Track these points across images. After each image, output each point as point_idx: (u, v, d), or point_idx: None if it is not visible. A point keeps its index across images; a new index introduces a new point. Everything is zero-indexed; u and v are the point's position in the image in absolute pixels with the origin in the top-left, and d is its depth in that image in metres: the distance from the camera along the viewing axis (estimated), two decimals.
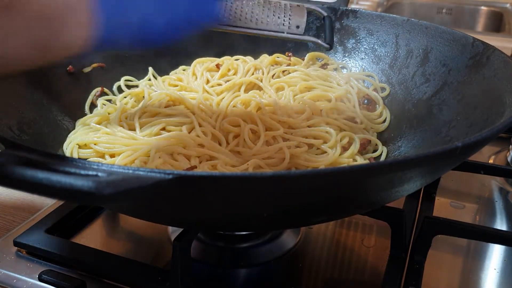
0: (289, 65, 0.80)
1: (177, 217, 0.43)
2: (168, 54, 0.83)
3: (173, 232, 0.63)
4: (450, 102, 0.62)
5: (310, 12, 0.83)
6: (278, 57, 0.82)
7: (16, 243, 0.59)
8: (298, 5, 0.65)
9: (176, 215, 0.42)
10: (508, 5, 1.52)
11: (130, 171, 0.32)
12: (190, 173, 0.32)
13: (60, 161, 0.31)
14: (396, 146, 0.67)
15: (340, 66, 0.81)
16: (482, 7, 1.56)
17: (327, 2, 0.81)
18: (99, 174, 0.30)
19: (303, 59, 0.82)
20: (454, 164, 0.48)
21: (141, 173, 0.31)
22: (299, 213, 0.41)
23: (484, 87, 0.57)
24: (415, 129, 0.65)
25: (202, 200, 0.36)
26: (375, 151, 0.67)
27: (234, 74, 0.78)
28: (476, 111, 0.55)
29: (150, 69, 0.80)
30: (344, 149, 0.64)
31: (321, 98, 0.72)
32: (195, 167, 0.56)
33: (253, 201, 0.37)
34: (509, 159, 0.81)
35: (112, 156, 0.61)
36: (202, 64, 0.80)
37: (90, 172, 0.31)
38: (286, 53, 0.84)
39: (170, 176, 0.32)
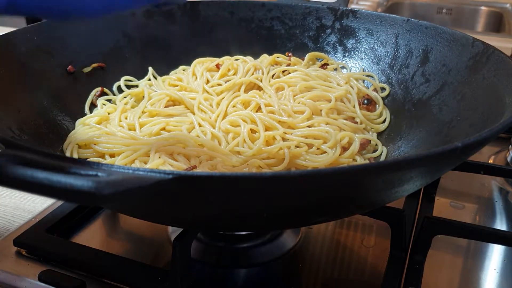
0: (289, 65, 0.80)
1: (177, 217, 0.43)
2: (168, 54, 0.83)
3: (173, 232, 0.63)
4: (450, 102, 0.62)
5: (310, 12, 0.83)
6: (278, 57, 0.82)
7: (16, 243, 0.59)
8: None
9: (176, 215, 0.42)
10: (508, 5, 1.52)
11: (130, 171, 0.32)
12: (190, 173, 0.32)
13: (60, 161, 0.31)
14: (396, 146, 0.67)
15: (340, 66, 0.81)
16: (482, 7, 1.56)
17: (327, 2, 0.81)
18: (99, 174, 0.30)
19: (303, 59, 0.82)
20: (454, 164, 0.48)
21: (141, 173, 0.31)
22: (298, 213, 0.41)
23: (484, 87, 0.57)
24: (415, 129, 0.65)
25: (201, 200, 0.36)
26: (375, 151, 0.67)
27: (234, 74, 0.78)
28: (476, 111, 0.55)
29: (150, 69, 0.80)
30: (344, 149, 0.64)
31: (321, 98, 0.72)
32: (195, 167, 0.56)
33: (252, 201, 0.37)
34: (508, 159, 0.81)
35: (112, 156, 0.61)
36: (202, 64, 0.80)
37: (90, 172, 0.31)
38: (286, 53, 0.84)
39: (170, 176, 0.31)
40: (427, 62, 0.70)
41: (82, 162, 0.32)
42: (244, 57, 0.81)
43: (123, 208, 0.45)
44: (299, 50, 0.84)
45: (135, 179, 0.30)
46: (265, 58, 0.82)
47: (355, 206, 0.45)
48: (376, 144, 0.68)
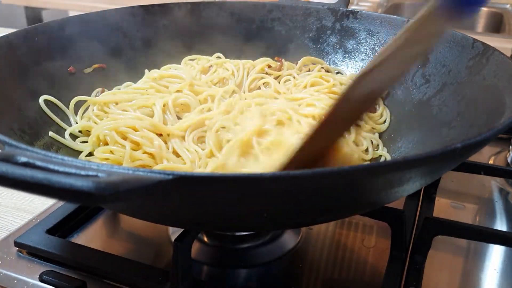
0: (280, 70, 0.79)
1: (177, 218, 0.43)
2: (168, 54, 0.83)
3: (174, 232, 0.63)
4: (450, 103, 0.62)
5: (310, 13, 0.83)
6: (268, 65, 0.80)
7: (16, 244, 0.59)
8: None
9: (176, 215, 0.42)
10: (508, 6, 1.51)
11: (130, 172, 0.32)
12: (190, 174, 0.32)
13: (60, 162, 0.31)
14: (396, 147, 0.67)
15: (336, 72, 0.81)
16: (482, 8, 1.56)
17: (328, 3, 0.81)
18: (99, 174, 0.30)
19: (296, 64, 0.82)
20: (454, 165, 0.48)
21: (141, 173, 0.31)
22: (298, 213, 0.41)
23: (484, 88, 0.57)
24: (415, 130, 0.65)
25: (201, 200, 0.36)
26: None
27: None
28: (476, 111, 0.55)
29: (146, 71, 0.80)
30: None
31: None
32: None
33: (252, 201, 0.37)
34: (509, 160, 0.81)
35: None
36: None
37: (90, 173, 0.31)
38: (276, 57, 0.83)
39: (170, 177, 0.32)
40: (427, 63, 0.70)
41: (82, 163, 0.32)
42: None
43: (123, 208, 0.45)
44: (300, 51, 0.84)
45: (135, 179, 0.30)
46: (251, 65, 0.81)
47: (355, 206, 0.45)
48: (378, 144, 0.67)
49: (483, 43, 0.62)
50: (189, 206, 0.38)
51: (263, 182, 0.33)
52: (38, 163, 0.31)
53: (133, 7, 0.81)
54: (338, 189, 0.37)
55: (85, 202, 0.29)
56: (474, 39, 0.63)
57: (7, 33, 0.64)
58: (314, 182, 0.34)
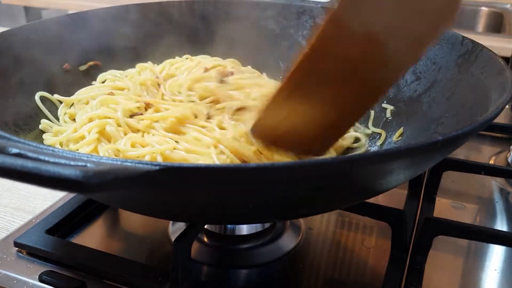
0: None
1: (164, 208, 0.44)
2: (164, 52, 0.83)
3: (173, 232, 0.63)
4: (439, 100, 0.62)
5: (304, 11, 0.83)
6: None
7: (16, 244, 0.59)
8: None
9: (163, 206, 0.42)
10: (508, 6, 1.50)
11: (118, 162, 0.32)
12: (177, 165, 0.33)
13: (51, 153, 0.32)
14: (386, 142, 0.66)
15: None
16: (483, 8, 1.55)
17: (321, 2, 0.81)
18: (88, 164, 0.31)
19: None
20: (437, 159, 0.48)
21: (129, 164, 0.32)
22: (282, 205, 0.41)
23: (472, 85, 0.57)
24: (404, 126, 0.65)
25: (188, 191, 0.36)
26: None
27: None
28: (463, 108, 0.55)
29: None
30: None
31: None
32: None
33: (237, 193, 0.37)
34: (509, 160, 0.81)
35: None
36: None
37: (80, 163, 0.31)
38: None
39: (157, 167, 0.32)
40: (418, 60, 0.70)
41: (72, 154, 0.33)
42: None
43: (112, 199, 0.45)
44: (294, 49, 0.84)
45: (122, 169, 0.31)
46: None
47: (338, 199, 0.45)
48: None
49: (472, 41, 0.62)
50: (175, 197, 0.38)
51: (247, 173, 0.34)
52: (30, 154, 0.32)
53: (128, 5, 0.82)
54: (321, 181, 0.37)
55: (74, 190, 0.29)
56: (464, 37, 0.63)
57: (4, 30, 0.65)
58: (296, 174, 0.34)
